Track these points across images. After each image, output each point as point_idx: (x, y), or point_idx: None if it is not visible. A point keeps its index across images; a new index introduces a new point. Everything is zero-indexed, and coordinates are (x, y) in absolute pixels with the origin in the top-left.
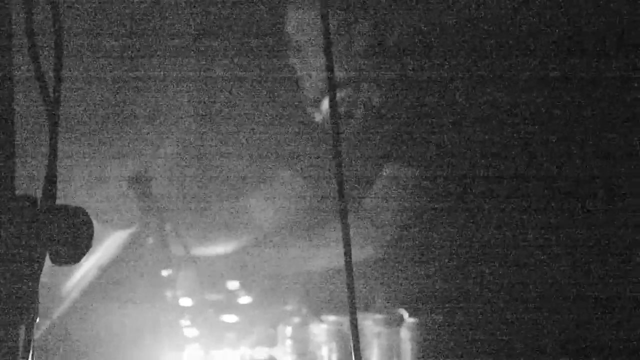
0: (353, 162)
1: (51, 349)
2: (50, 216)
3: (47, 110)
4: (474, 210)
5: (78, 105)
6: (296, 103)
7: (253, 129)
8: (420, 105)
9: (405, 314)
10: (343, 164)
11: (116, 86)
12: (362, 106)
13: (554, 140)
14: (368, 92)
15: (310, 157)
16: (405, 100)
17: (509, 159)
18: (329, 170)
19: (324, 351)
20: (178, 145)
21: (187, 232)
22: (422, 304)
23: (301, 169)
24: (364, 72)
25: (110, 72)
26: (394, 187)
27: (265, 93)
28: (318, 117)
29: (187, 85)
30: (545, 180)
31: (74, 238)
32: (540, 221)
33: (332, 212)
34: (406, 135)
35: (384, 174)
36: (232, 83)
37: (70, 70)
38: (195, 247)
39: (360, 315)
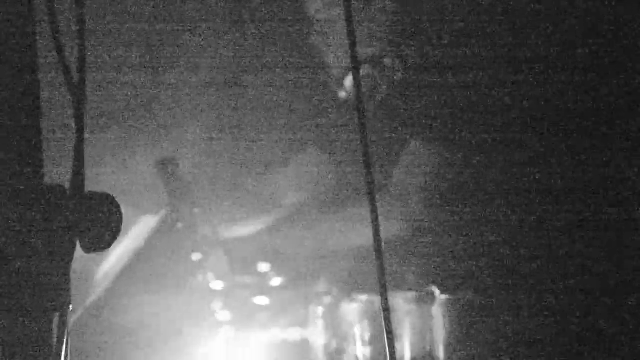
0: (379, 139)
1: (86, 337)
2: (79, 204)
3: (73, 97)
4: (501, 186)
5: (102, 91)
6: (320, 82)
7: (278, 110)
8: (444, 84)
9: (437, 291)
10: (369, 142)
11: (141, 70)
12: (385, 83)
13: (589, 124)
14: (392, 68)
15: (336, 135)
16: (429, 78)
17: (537, 136)
18: (355, 148)
19: (356, 330)
20: (204, 128)
21: (216, 214)
22: (454, 281)
23: (327, 147)
24: (387, 49)
25: (135, 56)
26: (419, 163)
27: (290, 74)
28: (342, 95)
29: (212, 67)
30: (579, 160)
31: (104, 225)
32: (574, 200)
33: (359, 189)
34: (430, 112)
35: (410, 150)
36: (257, 65)
37: (94, 57)
38: (224, 229)
39: (391, 294)
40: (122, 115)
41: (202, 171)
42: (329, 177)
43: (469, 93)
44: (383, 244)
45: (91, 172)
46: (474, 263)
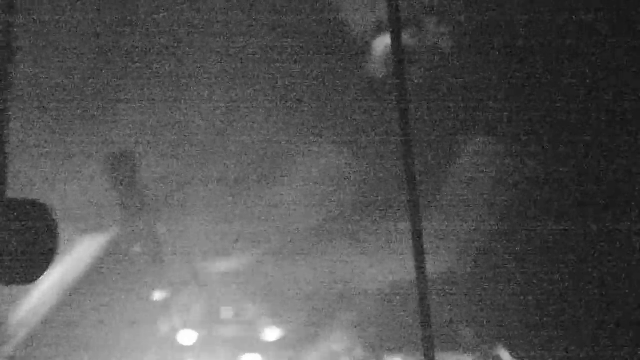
0: (422, 134)
1: None
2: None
3: None
4: (585, 202)
5: (40, 73)
6: (338, 50)
7: (280, 88)
8: (511, 55)
9: (505, 354)
10: (411, 136)
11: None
12: (427, 51)
13: None
14: (436, 33)
15: (361, 123)
16: (480, 46)
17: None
18: (390, 143)
19: None
20: (175, 116)
21: (189, 236)
22: (528, 339)
23: (348, 140)
24: (430, 10)
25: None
26: (480, 168)
27: (300, 37)
28: (371, 69)
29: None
30: None
31: (30, 247)
32: None
33: (394, 202)
34: (493, 95)
35: (467, 150)
36: (253, 31)
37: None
38: (200, 258)
39: (439, 357)
40: (63, 103)
41: (170, 174)
42: (350, 183)
43: (546, 70)
44: (428, 283)
45: (19, 176)
46: (563, 311)
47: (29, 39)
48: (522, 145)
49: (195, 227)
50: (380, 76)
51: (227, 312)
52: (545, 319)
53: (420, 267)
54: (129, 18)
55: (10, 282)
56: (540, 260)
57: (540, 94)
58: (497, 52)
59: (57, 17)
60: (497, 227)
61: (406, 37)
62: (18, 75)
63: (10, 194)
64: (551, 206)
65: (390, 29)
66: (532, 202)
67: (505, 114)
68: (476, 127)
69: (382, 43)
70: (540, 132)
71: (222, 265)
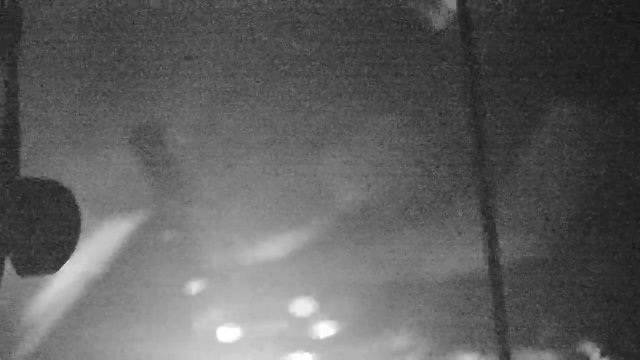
0: (493, 106)
1: None
2: (11, 197)
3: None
4: None
5: (62, 49)
6: (398, 9)
7: (331, 59)
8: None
9: (594, 353)
10: (480, 105)
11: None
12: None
13: None
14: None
15: (426, 93)
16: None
17: None
18: (455, 115)
19: None
20: (207, 90)
21: (228, 222)
22: (618, 334)
23: (411, 112)
24: None
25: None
26: (561, 141)
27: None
28: (436, 22)
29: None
30: None
31: (49, 233)
32: None
33: (462, 184)
34: (574, 63)
35: (545, 121)
36: None
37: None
38: (240, 246)
39: (516, 355)
40: (87, 81)
41: (204, 149)
42: (411, 159)
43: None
44: (502, 269)
45: (38, 156)
46: None
47: (44, 17)
48: (618, 114)
49: (234, 209)
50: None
51: (272, 306)
52: (636, 310)
53: (492, 255)
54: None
55: (28, 273)
56: (627, 247)
57: (632, 55)
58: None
59: None
60: (579, 210)
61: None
62: (36, 53)
63: (24, 174)
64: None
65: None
66: (620, 182)
67: (597, 77)
68: (561, 93)
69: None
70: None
71: (265, 252)
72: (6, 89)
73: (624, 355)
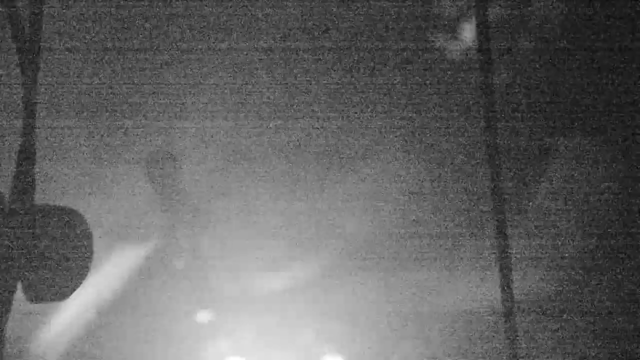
0: (508, 139)
1: None
2: (24, 223)
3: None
4: None
5: (76, 81)
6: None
7: (356, 65)
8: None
9: None
10: (494, 144)
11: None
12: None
13: None
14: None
15: (438, 127)
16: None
17: None
18: (469, 149)
19: None
20: (219, 122)
21: (235, 250)
22: None
23: (423, 143)
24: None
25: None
26: (574, 175)
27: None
28: (458, 46)
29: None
30: None
31: (62, 259)
32: None
33: (476, 217)
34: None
35: (559, 155)
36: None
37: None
38: (248, 275)
39: None
40: (101, 111)
41: (215, 179)
42: (430, 193)
43: None
44: (515, 302)
45: (52, 185)
46: None
47: (57, 40)
48: (628, 148)
49: (243, 239)
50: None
51: (280, 337)
52: None
53: (506, 288)
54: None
55: (39, 299)
56: (637, 282)
57: None
58: (599, 51)
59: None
60: (590, 244)
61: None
62: (47, 80)
63: (39, 202)
64: None
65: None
66: (630, 215)
67: (610, 113)
68: (574, 127)
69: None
70: None
71: (274, 282)
72: (23, 117)
73: None
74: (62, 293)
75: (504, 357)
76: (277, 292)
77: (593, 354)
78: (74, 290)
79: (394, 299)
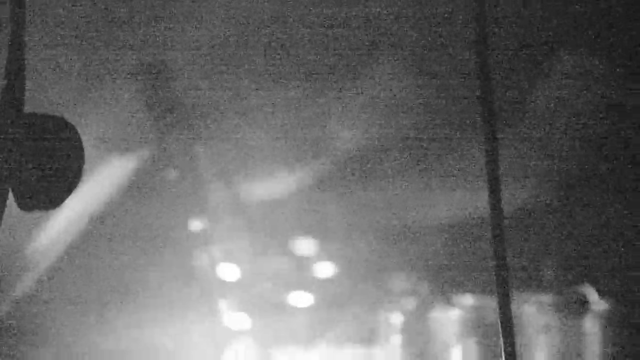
0: (501, 54)
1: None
2: (13, 132)
3: None
4: None
5: None
6: None
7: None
8: None
9: (592, 294)
10: (486, 56)
11: None
12: None
13: None
14: None
15: (429, 38)
16: None
17: None
18: (461, 61)
19: (456, 353)
20: (213, 33)
21: (231, 161)
22: (619, 279)
23: (414, 55)
24: None
25: None
26: (569, 90)
27: None
28: None
29: None
30: None
31: (52, 168)
32: None
33: (465, 127)
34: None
35: (554, 69)
36: None
37: None
38: (243, 185)
39: (516, 297)
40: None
41: (208, 85)
42: (417, 103)
43: None
44: (504, 216)
45: (39, 88)
46: None
47: None
48: (623, 66)
49: (237, 147)
50: None
51: (272, 245)
52: (634, 253)
53: (494, 199)
54: None
55: (30, 208)
56: (627, 193)
57: None
58: None
59: None
60: (583, 157)
61: None
62: None
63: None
64: None
65: None
66: (623, 130)
67: (608, 27)
68: (570, 42)
69: None
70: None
71: (267, 192)
72: (11, 26)
73: (622, 296)
74: (54, 201)
75: (492, 267)
76: (270, 202)
77: (583, 263)
78: (65, 198)
79: (385, 211)
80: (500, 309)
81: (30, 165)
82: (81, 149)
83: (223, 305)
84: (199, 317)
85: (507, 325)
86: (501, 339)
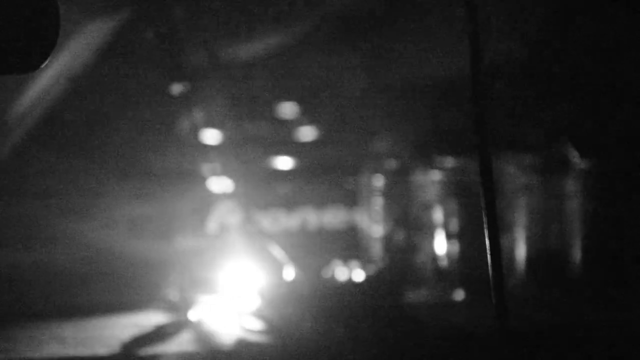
0: None
1: None
2: None
3: None
4: None
5: None
6: None
7: None
8: None
9: (573, 153)
10: None
11: None
12: None
13: None
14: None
15: None
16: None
17: None
18: None
19: (437, 215)
20: None
21: (209, 20)
22: (599, 138)
23: None
24: None
25: None
26: None
27: None
28: None
29: None
30: None
31: (29, 31)
32: None
33: None
34: None
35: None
36: None
37: None
38: (224, 44)
39: (497, 156)
40: None
41: None
42: None
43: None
44: (484, 73)
45: None
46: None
47: None
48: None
49: (218, 8)
50: None
51: (254, 109)
52: (617, 114)
53: (475, 59)
54: None
55: (7, 71)
56: (613, 44)
57: None
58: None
59: None
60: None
61: None
62: None
63: None
64: None
65: None
66: None
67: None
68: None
69: None
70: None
71: (248, 53)
72: None
73: (604, 156)
74: (30, 64)
75: (473, 128)
76: (250, 64)
77: (564, 123)
78: (43, 61)
79: (367, 73)
80: (480, 170)
81: (6, 29)
82: (57, 9)
83: (206, 169)
84: (181, 182)
85: (488, 186)
86: (482, 199)
